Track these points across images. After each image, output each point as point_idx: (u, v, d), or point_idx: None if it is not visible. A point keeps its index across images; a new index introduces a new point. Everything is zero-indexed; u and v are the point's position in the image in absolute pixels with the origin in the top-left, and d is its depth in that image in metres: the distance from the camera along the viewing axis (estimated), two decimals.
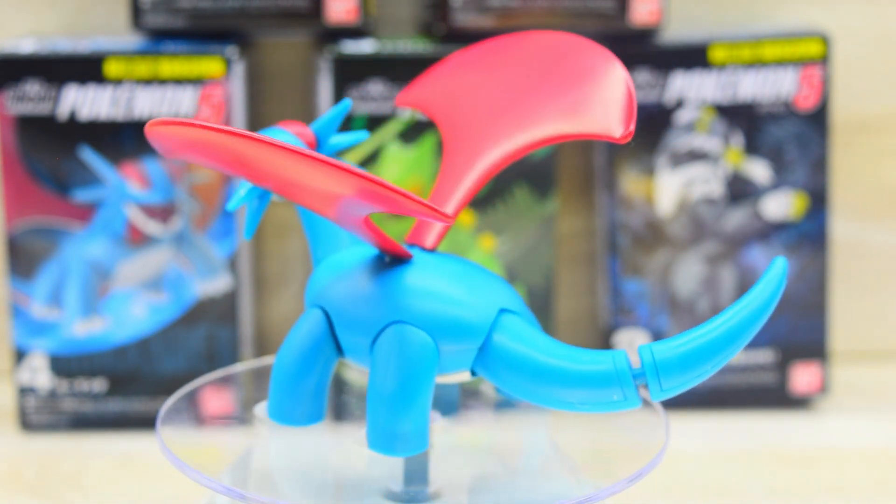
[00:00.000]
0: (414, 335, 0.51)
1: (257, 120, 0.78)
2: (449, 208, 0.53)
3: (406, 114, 0.74)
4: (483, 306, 0.51)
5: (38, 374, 0.75)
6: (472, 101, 0.56)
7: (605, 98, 0.53)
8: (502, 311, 0.52)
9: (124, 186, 0.73)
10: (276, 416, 0.54)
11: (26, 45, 0.73)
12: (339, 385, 0.65)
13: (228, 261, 0.75)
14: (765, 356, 0.78)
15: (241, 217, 0.74)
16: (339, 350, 0.53)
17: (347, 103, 0.55)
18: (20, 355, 0.74)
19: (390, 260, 0.52)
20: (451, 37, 0.74)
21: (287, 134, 0.54)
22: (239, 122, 0.74)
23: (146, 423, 0.74)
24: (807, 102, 0.76)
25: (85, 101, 0.72)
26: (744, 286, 0.77)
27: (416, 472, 0.54)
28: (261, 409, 0.55)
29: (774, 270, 0.50)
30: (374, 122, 0.74)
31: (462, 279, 0.52)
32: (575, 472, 0.57)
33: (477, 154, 0.55)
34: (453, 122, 0.56)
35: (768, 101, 0.76)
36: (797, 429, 0.76)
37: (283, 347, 0.54)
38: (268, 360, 0.66)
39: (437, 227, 0.54)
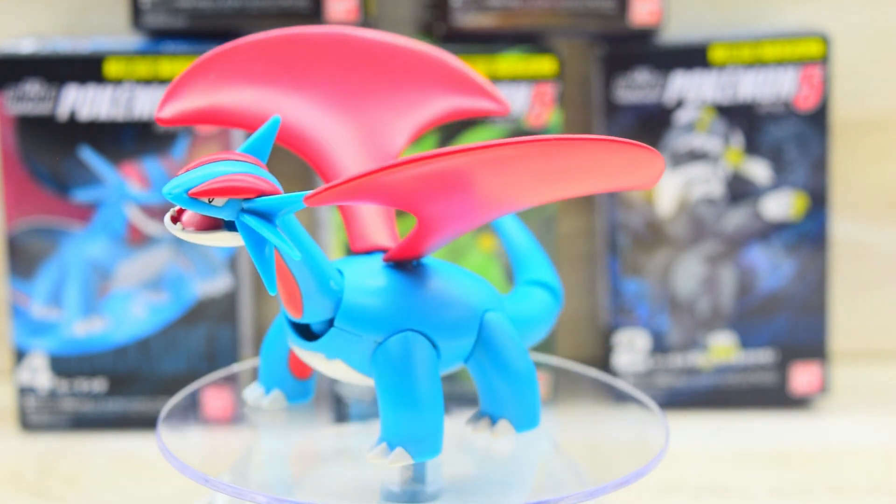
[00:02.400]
0: (503, 317, 0.53)
1: None
2: None
3: None
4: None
5: (38, 374, 0.75)
6: (302, 104, 0.53)
7: (462, 77, 0.55)
8: None
9: (124, 186, 0.73)
10: (427, 454, 0.51)
11: (26, 45, 0.73)
12: (340, 387, 0.65)
13: (228, 261, 0.75)
14: (765, 356, 0.78)
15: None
16: None
17: (277, 121, 0.49)
18: (20, 355, 0.74)
19: (398, 265, 0.52)
20: (451, 37, 0.74)
21: (243, 164, 0.48)
22: None
23: (146, 423, 0.74)
24: (807, 102, 0.76)
25: (85, 101, 0.72)
26: (744, 286, 0.77)
27: (416, 472, 0.54)
28: (395, 455, 0.50)
29: None
30: None
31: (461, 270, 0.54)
32: (575, 472, 0.58)
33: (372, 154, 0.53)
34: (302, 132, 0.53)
35: (768, 101, 0.76)
36: (797, 429, 0.76)
37: (414, 383, 0.50)
38: None
39: (385, 229, 0.54)
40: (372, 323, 0.50)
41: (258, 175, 0.47)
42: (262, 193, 0.46)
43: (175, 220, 0.47)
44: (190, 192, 0.46)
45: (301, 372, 0.54)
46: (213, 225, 0.47)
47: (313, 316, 0.50)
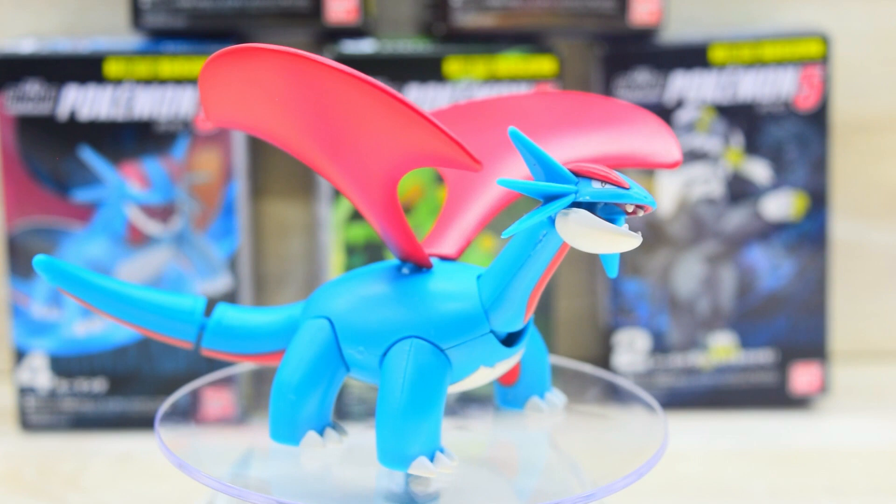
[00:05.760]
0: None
1: None
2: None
3: None
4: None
5: (38, 374, 0.75)
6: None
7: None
8: None
9: (124, 186, 0.73)
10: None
11: (26, 45, 0.73)
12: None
13: (228, 261, 0.75)
14: (765, 356, 0.78)
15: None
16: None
17: (514, 131, 0.48)
18: (20, 355, 0.74)
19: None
20: (451, 37, 0.74)
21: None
22: None
23: (146, 423, 0.74)
24: (807, 102, 0.76)
25: (85, 101, 0.72)
26: (744, 286, 0.77)
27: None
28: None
29: None
30: None
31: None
32: (575, 472, 0.58)
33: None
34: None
35: (768, 101, 0.76)
36: (797, 429, 0.76)
37: None
38: None
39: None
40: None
41: None
42: None
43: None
44: None
45: None
46: None
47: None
